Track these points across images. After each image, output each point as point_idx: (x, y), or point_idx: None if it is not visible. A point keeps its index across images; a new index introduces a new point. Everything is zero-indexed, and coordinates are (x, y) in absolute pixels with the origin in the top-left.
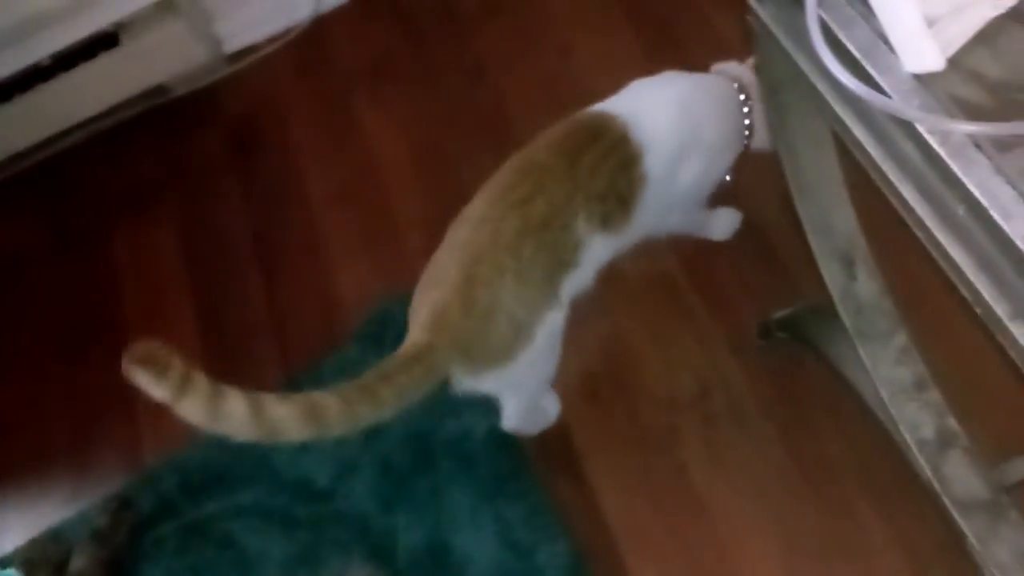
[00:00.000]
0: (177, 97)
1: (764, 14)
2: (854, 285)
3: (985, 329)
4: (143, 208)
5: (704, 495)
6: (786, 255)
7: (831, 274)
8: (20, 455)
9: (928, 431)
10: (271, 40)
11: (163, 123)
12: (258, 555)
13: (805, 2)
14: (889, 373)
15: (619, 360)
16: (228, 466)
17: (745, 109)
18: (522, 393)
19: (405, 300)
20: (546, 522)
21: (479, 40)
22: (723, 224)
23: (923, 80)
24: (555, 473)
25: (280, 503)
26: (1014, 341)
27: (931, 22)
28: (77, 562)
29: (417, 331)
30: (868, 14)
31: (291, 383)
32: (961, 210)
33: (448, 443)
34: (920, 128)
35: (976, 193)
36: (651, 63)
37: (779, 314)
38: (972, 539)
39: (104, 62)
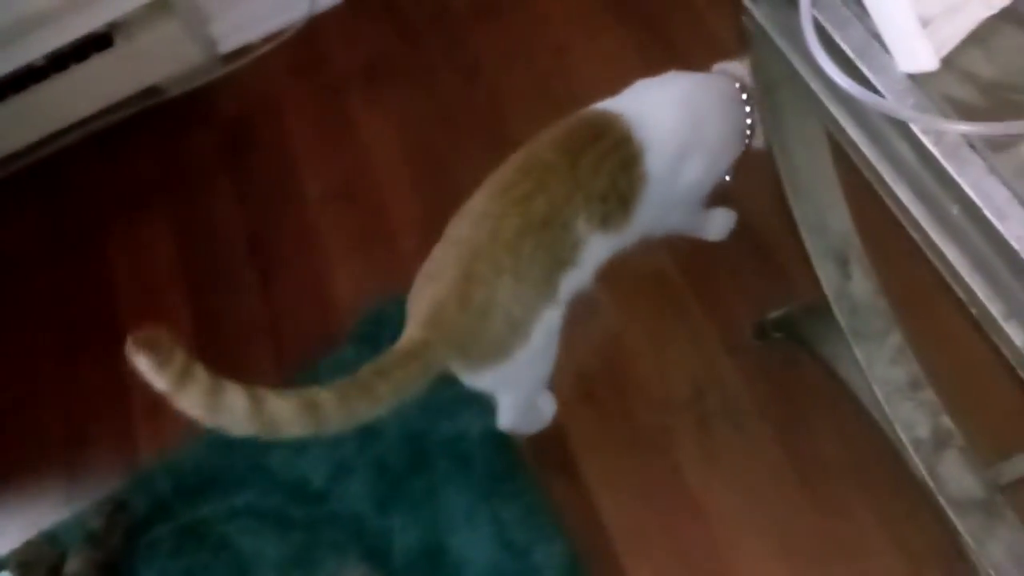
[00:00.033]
0: (172, 98)
1: (758, 14)
2: (849, 285)
3: (980, 328)
4: (138, 209)
5: (700, 495)
6: (781, 255)
7: (826, 274)
8: (15, 457)
9: (923, 430)
10: (266, 40)
11: (158, 124)
12: (253, 556)
13: (799, 2)
14: (884, 373)
15: (614, 360)
16: (223, 468)
17: (747, 108)
18: (518, 391)
19: (401, 300)
20: (542, 522)
21: (474, 40)
22: (718, 224)
23: (917, 80)
24: (551, 473)
25: (275, 504)
26: (1009, 341)
27: (925, 22)
28: (72, 564)
29: (414, 326)
30: (862, 14)
31: (287, 383)
32: (955, 210)
33: (444, 443)
34: (914, 128)
35: (970, 193)
36: (645, 63)
37: (774, 314)
38: (968, 538)
39: (98, 63)
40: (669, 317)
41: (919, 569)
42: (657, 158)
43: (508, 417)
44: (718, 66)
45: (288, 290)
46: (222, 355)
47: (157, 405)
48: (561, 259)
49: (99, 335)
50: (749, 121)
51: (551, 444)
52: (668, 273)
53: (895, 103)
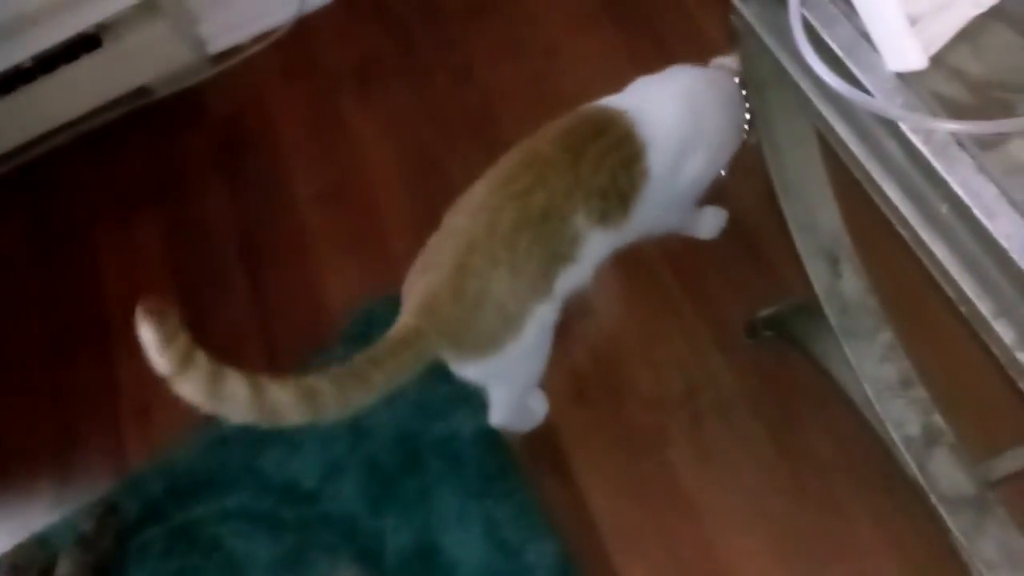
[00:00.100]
0: (161, 98)
1: (748, 13)
2: (839, 283)
3: (970, 326)
4: (128, 210)
5: (692, 494)
6: (772, 253)
7: (816, 272)
8: (4, 460)
9: (914, 428)
10: (256, 40)
11: (147, 125)
12: (245, 558)
13: (788, 1)
14: (875, 371)
15: (606, 359)
16: (214, 469)
17: (745, 103)
18: (510, 386)
19: (392, 301)
20: (534, 522)
21: (465, 40)
22: (710, 223)
23: (906, 79)
24: (543, 473)
25: (267, 506)
26: (998, 339)
27: (914, 21)
28: (63, 568)
29: (407, 315)
30: (851, 13)
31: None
32: (944, 208)
33: (436, 443)
34: (903, 127)
35: (959, 191)
36: (636, 62)
37: (765, 312)
38: (959, 535)
39: (86, 64)
40: (661, 316)
41: (911, 566)
42: (659, 155)
43: (500, 413)
44: (716, 61)
45: (279, 291)
46: (212, 357)
47: (148, 406)
48: (559, 254)
49: (89, 337)
50: (747, 115)
51: (543, 443)
52: (660, 272)
53: (884, 102)
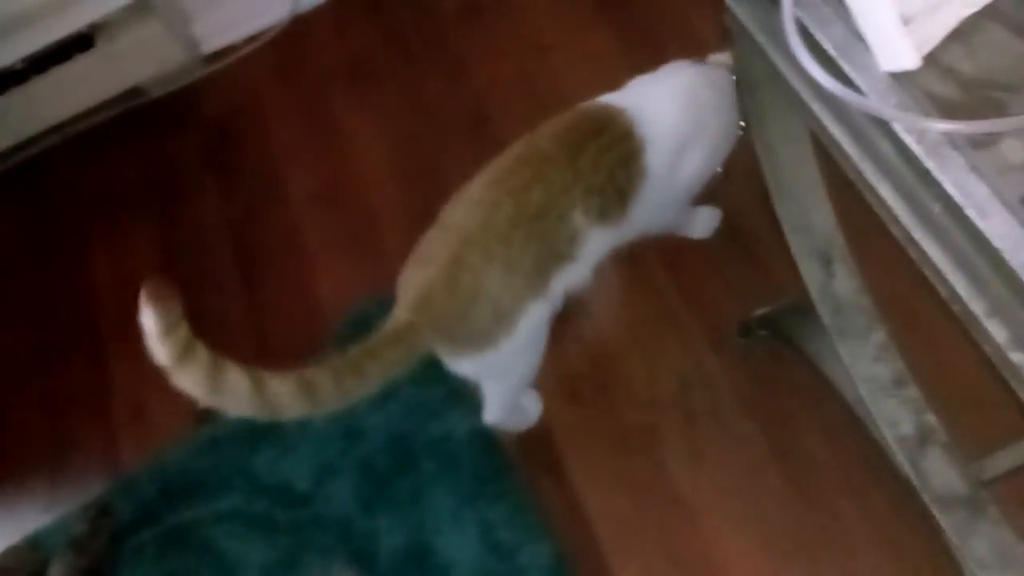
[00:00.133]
0: (154, 99)
1: (741, 13)
2: (832, 283)
3: (963, 326)
4: (121, 211)
5: (686, 493)
6: (766, 253)
7: (810, 272)
8: None
9: (907, 427)
10: (249, 40)
11: (140, 125)
12: (238, 561)
13: (781, 1)
14: (868, 370)
15: (600, 359)
16: (207, 471)
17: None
18: (504, 382)
19: (385, 301)
20: (528, 522)
21: (458, 39)
22: (704, 222)
23: (899, 78)
24: (537, 473)
25: (260, 508)
26: (990, 338)
27: (907, 20)
28: (55, 570)
29: (402, 308)
30: (844, 13)
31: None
32: (937, 208)
33: (430, 444)
34: (896, 126)
35: (952, 191)
36: (629, 61)
37: (759, 312)
38: (951, 534)
39: (79, 64)
40: (654, 316)
41: (905, 565)
42: (657, 152)
43: (494, 411)
44: (712, 57)
45: (272, 291)
46: None
47: (141, 408)
48: (556, 252)
49: (81, 338)
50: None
51: (537, 444)
52: (654, 271)
53: (877, 102)
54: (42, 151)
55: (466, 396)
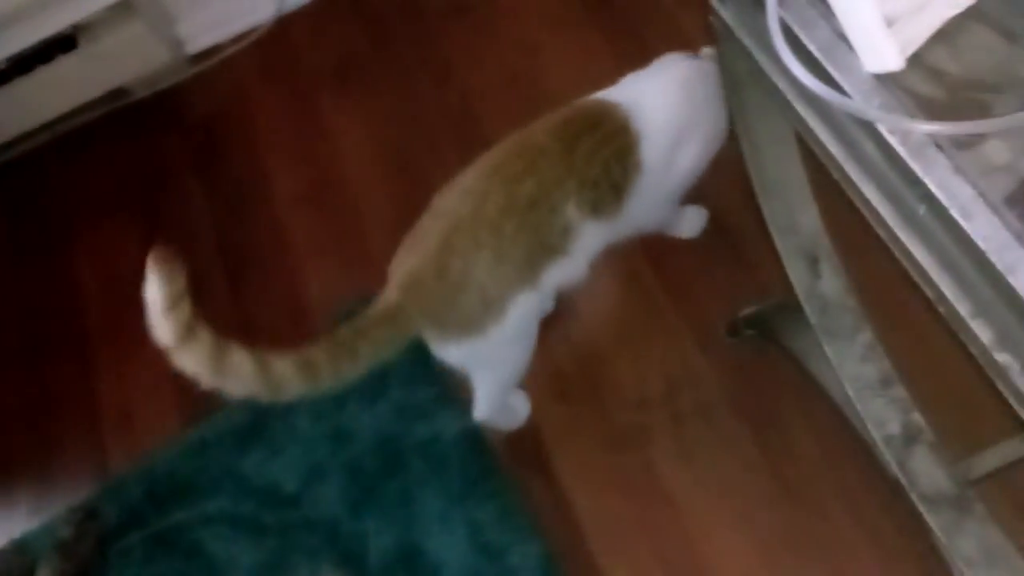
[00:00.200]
0: (139, 99)
1: (726, 14)
2: (819, 283)
3: (948, 326)
4: (106, 213)
5: (675, 493)
6: (753, 252)
7: (796, 272)
8: None
9: (894, 427)
10: (234, 40)
11: (125, 126)
12: (226, 563)
13: (766, 2)
14: (855, 370)
15: (588, 359)
16: (195, 473)
17: None
18: (493, 375)
19: (372, 302)
20: (517, 523)
21: (445, 39)
22: (691, 222)
23: (883, 80)
24: (526, 474)
25: (248, 510)
26: (976, 339)
27: (891, 22)
28: (42, 574)
29: (391, 291)
30: (828, 14)
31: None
32: (922, 209)
33: (418, 446)
34: (880, 128)
35: (936, 192)
36: (617, 61)
37: (746, 311)
38: (939, 533)
39: (62, 65)
40: (642, 315)
41: (892, 563)
42: (652, 147)
43: (483, 407)
44: (705, 51)
45: (259, 292)
46: None
47: (127, 410)
48: (548, 244)
49: (67, 339)
50: None
51: (526, 444)
52: (641, 271)
53: (861, 103)
54: (26, 152)
55: (455, 397)
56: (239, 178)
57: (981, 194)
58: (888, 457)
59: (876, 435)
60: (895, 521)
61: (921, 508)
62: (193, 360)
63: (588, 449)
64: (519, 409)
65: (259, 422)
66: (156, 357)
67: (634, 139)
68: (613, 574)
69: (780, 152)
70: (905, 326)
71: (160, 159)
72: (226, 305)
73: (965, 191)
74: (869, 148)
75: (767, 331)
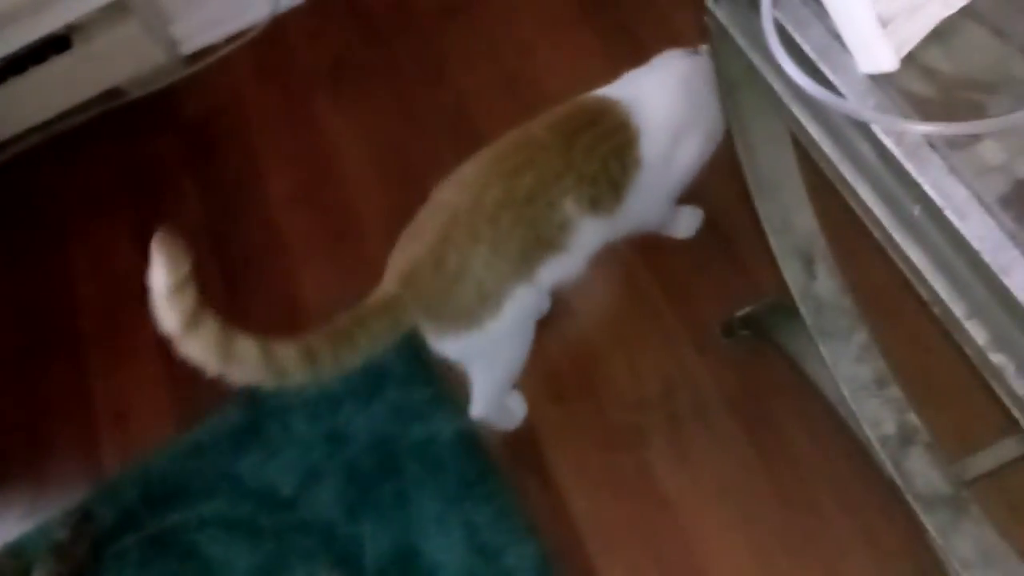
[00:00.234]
0: (134, 100)
1: (720, 14)
2: (814, 284)
3: (944, 326)
4: (100, 213)
5: (671, 493)
6: (748, 253)
7: (791, 273)
8: None
9: (889, 427)
10: (229, 40)
11: (120, 126)
12: (222, 566)
13: (760, 3)
14: (850, 370)
15: (584, 361)
16: (190, 476)
17: None
18: (490, 371)
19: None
20: (514, 524)
21: (439, 39)
22: (686, 222)
23: (878, 80)
24: (522, 475)
25: (244, 513)
26: (970, 339)
27: (885, 22)
28: None
29: (389, 281)
30: (823, 15)
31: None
32: (916, 210)
33: (414, 447)
34: (875, 128)
35: (931, 193)
36: (612, 61)
37: (742, 312)
38: (934, 534)
39: (56, 65)
40: (638, 316)
41: (888, 564)
42: (652, 143)
43: (480, 404)
44: (704, 47)
45: (254, 294)
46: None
47: (122, 413)
48: (545, 239)
49: (62, 341)
50: None
51: (522, 445)
52: (637, 272)
53: (856, 104)
54: (20, 152)
55: (450, 399)
56: (234, 179)
57: (976, 194)
58: (883, 457)
59: (871, 435)
60: (891, 522)
61: (917, 509)
62: (200, 347)
63: (584, 450)
64: (515, 410)
65: (255, 424)
66: (151, 358)
67: (633, 135)
68: (609, 574)
69: (775, 152)
70: (900, 326)
71: (155, 160)
72: (221, 306)
73: (959, 191)
74: (864, 148)
75: (762, 331)
